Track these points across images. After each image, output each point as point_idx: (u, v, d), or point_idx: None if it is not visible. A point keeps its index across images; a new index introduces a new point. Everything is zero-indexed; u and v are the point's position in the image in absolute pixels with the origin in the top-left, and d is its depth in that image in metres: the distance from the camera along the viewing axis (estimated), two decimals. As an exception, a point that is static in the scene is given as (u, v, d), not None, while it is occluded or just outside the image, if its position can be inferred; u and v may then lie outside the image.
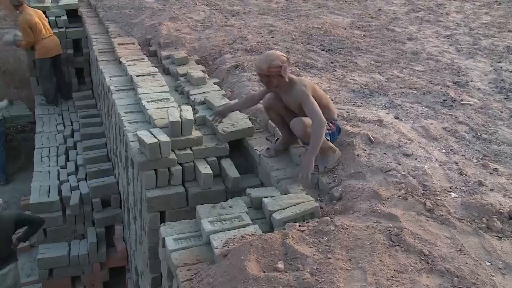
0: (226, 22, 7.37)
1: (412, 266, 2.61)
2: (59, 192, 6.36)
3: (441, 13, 8.09)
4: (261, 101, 4.08)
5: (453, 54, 6.25)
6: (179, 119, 4.13)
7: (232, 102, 4.67)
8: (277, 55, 3.66)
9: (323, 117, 3.52)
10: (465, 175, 3.51)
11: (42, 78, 8.54)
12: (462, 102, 4.77)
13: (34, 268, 6.48)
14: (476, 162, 3.73)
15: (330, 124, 3.79)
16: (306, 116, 3.61)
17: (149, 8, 8.01)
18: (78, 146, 7.43)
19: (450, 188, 3.35)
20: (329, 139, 3.76)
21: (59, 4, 8.95)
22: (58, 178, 6.65)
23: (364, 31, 7.12)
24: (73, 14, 8.98)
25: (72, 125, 8.08)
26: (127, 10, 8.10)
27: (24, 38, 8.13)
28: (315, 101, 3.59)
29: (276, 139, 4.20)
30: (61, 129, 7.94)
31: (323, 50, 6.26)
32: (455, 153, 3.84)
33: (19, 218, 5.31)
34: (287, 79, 3.68)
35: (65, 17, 8.77)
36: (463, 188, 3.36)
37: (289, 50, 6.06)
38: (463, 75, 5.54)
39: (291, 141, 4.09)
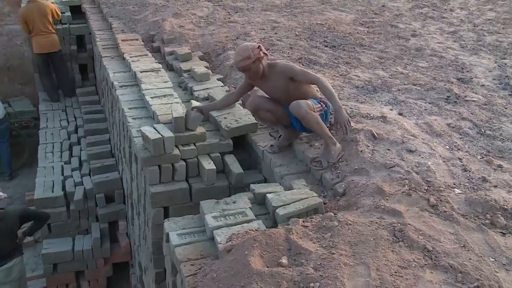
0: (229, 18, 7.37)
1: (416, 261, 2.61)
2: (63, 188, 6.38)
3: (445, 9, 8.07)
4: (246, 105, 4.12)
5: (457, 51, 6.23)
6: (183, 115, 4.14)
7: (218, 101, 4.58)
8: (247, 43, 3.89)
9: (317, 74, 3.79)
10: (469, 171, 3.51)
11: (39, 73, 8.63)
12: (466, 99, 4.76)
13: (39, 263, 6.51)
14: (480, 158, 3.72)
15: (321, 103, 3.87)
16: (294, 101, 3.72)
17: (152, 4, 8.00)
18: (82, 141, 7.45)
19: (454, 184, 3.35)
20: (324, 119, 3.84)
21: (63, 0, 8.96)
22: (62, 174, 6.68)
23: (368, 27, 7.11)
24: (76, 10, 8.99)
25: (75, 121, 8.10)
26: (131, 6, 8.10)
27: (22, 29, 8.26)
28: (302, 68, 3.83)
29: (279, 135, 4.20)
30: (65, 125, 7.97)
31: (326, 46, 6.25)
32: (459, 149, 3.83)
33: (24, 213, 5.33)
34: (268, 55, 3.88)
35: (68, 14, 8.78)
36: (467, 184, 3.36)
37: (293, 46, 6.05)
38: (467, 71, 5.53)
39: (293, 136, 4.10)
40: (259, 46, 3.81)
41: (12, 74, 10.00)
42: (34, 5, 8.13)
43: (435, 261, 2.64)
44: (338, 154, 3.74)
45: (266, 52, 3.87)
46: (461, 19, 7.54)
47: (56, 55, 8.49)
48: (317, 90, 4.01)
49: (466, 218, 3.00)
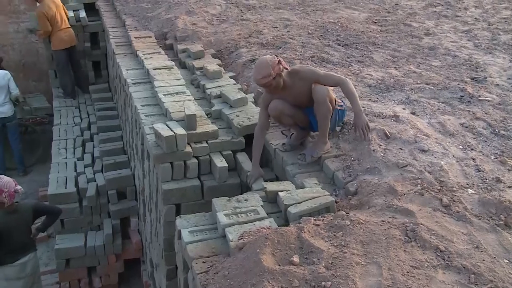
0: (242, 16, 7.37)
1: (428, 262, 2.60)
2: (76, 184, 6.44)
3: (459, 8, 8.00)
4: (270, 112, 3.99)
5: (471, 50, 6.17)
6: (195, 112, 4.15)
7: (254, 153, 4.07)
8: (266, 57, 3.74)
9: (340, 75, 3.81)
10: (483, 171, 3.48)
11: (59, 70, 8.64)
12: (480, 98, 4.72)
13: (52, 258, 6.57)
14: (494, 158, 3.69)
15: (341, 102, 3.98)
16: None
17: (165, 2, 8.03)
18: (94, 138, 7.51)
19: (467, 184, 3.33)
20: (339, 118, 3.96)
21: (78, -3, 9.04)
22: (75, 170, 6.73)
23: (381, 26, 7.07)
24: (91, 8, 9.04)
25: (88, 117, 8.17)
26: (144, 3, 8.14)
27: (41, 28, 8.22)
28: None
29: (291, 133, 4.20)
30: (78, 122, 8.04)
31: (339, 44, 6.23)
32: (472, 149, 3.81)
33: (37, 207, 5.37)
34: (289, 69, 3.82)
35: (83, 11, 8.84)
36: (481, 184, 3.34)
37: (305, 45, 6.04)
38: (481, 70, 5.48)
39: (306, 135, 4.11)
40: (279, 61, 3.72)
41: (27, 71, 10.11)
42: (50, 1, 8.18)
43: (447, 262, 2.62)
44: (323, 152, 3.83)
45: (286, 66, 3.78)
46: (475, 18, 7.47)
47: (74, 49, 8.57)
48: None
49: (480, 219, 2.98)
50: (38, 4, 8.19)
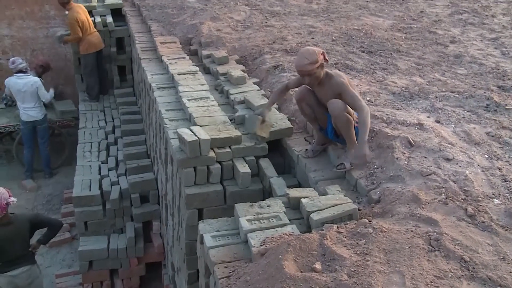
0: (266, 22, 7.40)
1: (452, 272, 2.57)
2: (100, 187, 6.52)
3: (486, 15, 7.89)
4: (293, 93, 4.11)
5: (498, 58, 6.09)
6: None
7: (270, 99, 4.48)
8: (313, 49, 3.78)
9: (364, 103, 3.71)
10: (509, 181, 3.43)
11: (86, 74, 8.80)
12: (507, 107, 4.65)
13: (75, 259, 6.67)
14: (521, 168, 3.63)
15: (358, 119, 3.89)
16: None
17: (190, 7, 8.12)
18: (118, 142, 7.60)
19: (493, 194, 3.28)
20: (356, 134, 3.86)
21: (105, 3, 9.18)
22: (99, 173, 6.82)
23: (405, 33, 7.02)
24: (117, 13, 9.19)
25: (113, 121, 8.28)
26: (170, 9, 8.23)
27: (72, 34, 8.40)
28: (354, 91, 3.75)
29: (313, 140, 4.21)
30: (103, 125, 8.15)
31: (363, 52, 6.21)
32: (498, 158, 3.75)
33: (36, 219, 5.29)
34: (328, 62, 3.82)
35: (110, 16, 8.99)
36: (507, 195, 3.29)
37: (329, 51, 6.04)
38: (509, 79, 5.40)
39: (327, 141, 4.11)
40: (323, 52, 3.76)
41: (55, 75, 10.30)
42: (78, 7, 8.36)
43: (472, 273, 2.59)
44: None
45: (327, 58, 3.82)
46: (503, 25, 7.36)
47: (101, 52, 8.73)
48: None
49: (506, 230, 2.94)
50: (67, 12, 8.36)
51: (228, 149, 4.20)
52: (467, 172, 3.47)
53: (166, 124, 4.66)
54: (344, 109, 3.70)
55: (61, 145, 9.34)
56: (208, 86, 5.28)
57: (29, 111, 8.31)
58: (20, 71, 8.28)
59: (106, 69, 9.08)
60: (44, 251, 6.97)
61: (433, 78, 5.40)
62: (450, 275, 2.56)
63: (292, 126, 4.44)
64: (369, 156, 3.66)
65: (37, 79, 8.44)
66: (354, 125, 3.79)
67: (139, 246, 6.40)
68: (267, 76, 5.57)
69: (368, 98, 4.69)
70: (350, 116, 3.74)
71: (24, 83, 8.18)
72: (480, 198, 3.21)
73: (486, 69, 5.70)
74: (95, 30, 8.54)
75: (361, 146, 3.61)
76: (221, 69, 5.72)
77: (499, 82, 5.32)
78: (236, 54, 6.26)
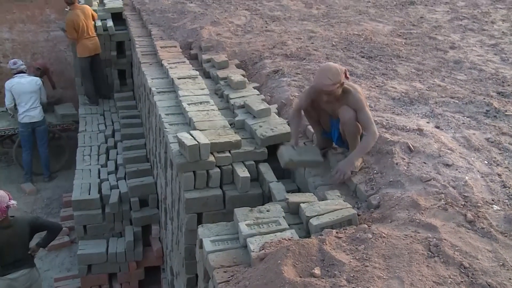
0: (266, 27, 7.42)
1: (452, 278, 2.57)
2: (99, 190, 6.52)
3: (486, 21, 7.91)
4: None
5: (498, 64, 6.10)
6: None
7: (292, 129, 4.18)
8: (336, 68, 3.64)
9: (376, 129, 3.69)
10: (509, 187, 3.43)
11: (82, 77, 8.87)
12: (506, 113, 4.66)
13: (74, 263, 6.66)
14: (520, 174, 3.63)
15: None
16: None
17: (191, 12, 8.14)
18: (118, 146, 7.61)
19: (493, 200, 3.28)
20: None
21: (105, 8, 9.20)
22: (99, 177, 6.82)
23: (405, 38, 7.04)
24: (118, 17, 9.21)
25: (113, 125, 8.28)
26: (170, 14, 8.25)
27: (67, 35, 8.53)
28: (369, 112, 3.72)
29: (314, 145, 4.21)
30: (103, 129, 8.15)
31: (363, 57, 6.23)
32: (498, 164, 3.75)
33: (35, 223, 5.28)
34: (349, 79, 3.74)
35: (110, 20, 9.01)
36: (506, 201, 3.29)
37: (329, 57, 6.05)
38: (508, 85, 5.41)
39: (327, 145, 4.11)
40: (345, 70, 3.67)
41: (55, 78, 10.32)
42: (79, 10, 8.38)
43: (472, 279, 2.58)
44: (360, 165, 3.82)
45: (348, 76, 3.73)
46: (502, 32, 7.38)
47: (97, 57, 8.75)
48: None
49: (505, 236, 2.93)
50: (67, 10, 8.42)
51: (227, 154, 4.20)
52: (466, 178, 3.48)
53: (166, 128, 4.66)
54: (355, 118, 3.70)
55: (61, 149, 9.33)
56: (208, 91, 5.29)
57: (31, 112, 8.33)
58: (21, 72, 8.36)
59: (106, 74, 9.10)
60: (43, 255, 6.96)
61: (432, 84, 5.41)
62: (449, 281, 2.55)
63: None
64: (348, 175, 3.69)
65: (38, 78, 8.53)
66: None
67: (138, 250, 6.39)
68: (267, 81, 5.58)
69: (368, 104, 4.69)
70: (358, 125, 3.74)
71: (28, 82, 8.31)
72: (479, 204, 3.21)
73: (486, 75, 5.71)
74: (94, 35, 8.54)
75: (349, 161, 3.68)
76: (221, 73, 5.72)
77: (498, 88, 5.33)
78: (236, 59, 6.27)
